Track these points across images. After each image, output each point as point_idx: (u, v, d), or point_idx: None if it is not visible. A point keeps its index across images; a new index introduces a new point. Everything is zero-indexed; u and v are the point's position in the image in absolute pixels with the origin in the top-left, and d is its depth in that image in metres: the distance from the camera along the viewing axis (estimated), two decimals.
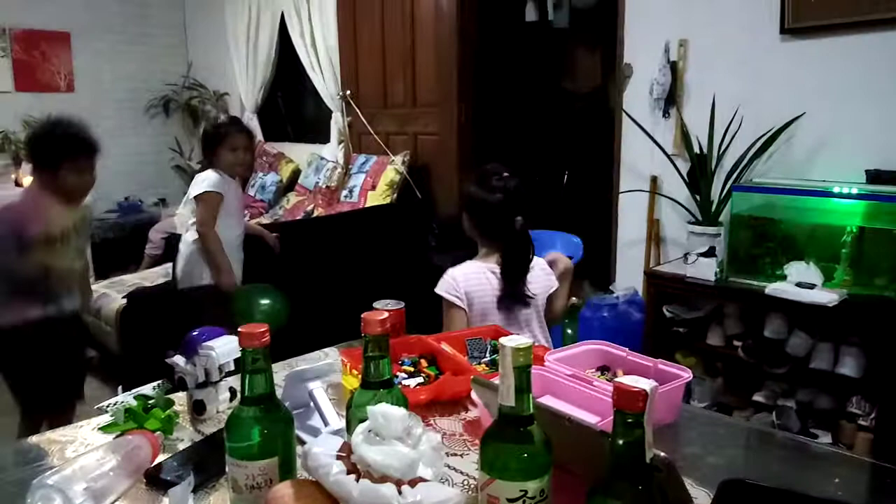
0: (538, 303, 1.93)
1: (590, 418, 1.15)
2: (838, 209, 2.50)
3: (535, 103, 5.36)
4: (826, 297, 2.27)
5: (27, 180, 2.44)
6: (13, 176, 5.00)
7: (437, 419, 1.25)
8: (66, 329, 2.40)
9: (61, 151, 2.26)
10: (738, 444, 1.24)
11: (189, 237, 2.86)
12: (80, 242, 2.42)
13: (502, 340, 0.78)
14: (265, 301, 2.63)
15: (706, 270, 2.61)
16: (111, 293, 3.60)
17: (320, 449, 0.84)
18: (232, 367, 1.29)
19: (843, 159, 2.66)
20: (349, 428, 0.96)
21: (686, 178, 2.98)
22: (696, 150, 2.92)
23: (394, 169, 4.22)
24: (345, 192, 4.39)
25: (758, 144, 2.79)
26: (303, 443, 1.03)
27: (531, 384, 0.78)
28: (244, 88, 5.59)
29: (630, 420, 0.68)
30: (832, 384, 2.41)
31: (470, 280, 1.86)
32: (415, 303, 1.82)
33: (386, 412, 0.82)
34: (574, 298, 3.77)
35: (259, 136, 5.40)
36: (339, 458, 0.82)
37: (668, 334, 2.83)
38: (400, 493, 0.77)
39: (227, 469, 0.89)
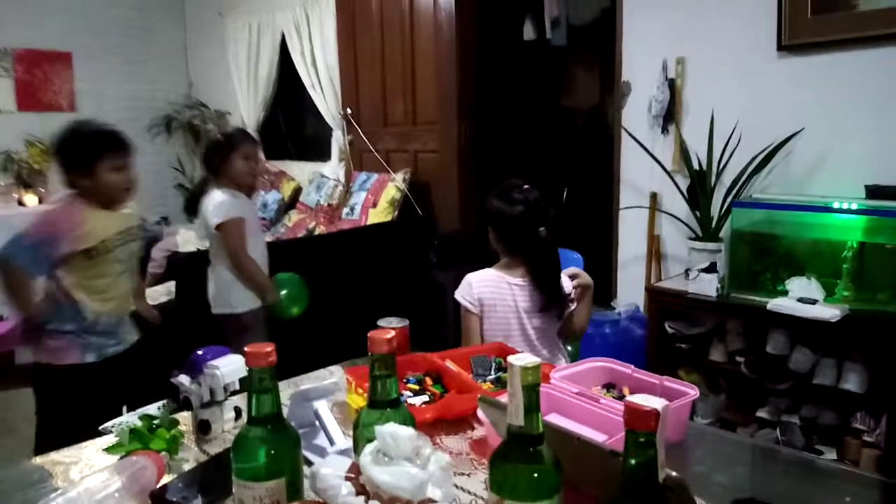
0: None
1: (597, 436, 1.14)
2: (838, 224, 2.50)
3: (535, 121, 5.39)
4: (828, 312, 2.27)
5: (57, 195, 2.23)
6: (16, 196, 5.01)
7: (444, 438, 1.24)
8: (111, 372, 2.23)
9: (94, 148, 2.10)
10: (746, 462, 1.23)
11: (219, 267, 2.75)
12: (125, 256, 2.22)
13: (510, 359, 0.78)
14: (286, 291, 2.78)
15: (707, 286, 2.61)
16: None
17: (329, 470, 0.83)
18: (237, 387, 1.29)
19: (842, 174, 2.68)
20: (356, 448, 0.96)
21: (686, 194, 2.99)
22: (696, 166, 2.94)
23: (395, 186, 4.23)
24: (346, 210, 4.40)
25: (757, 160, 2.80)
26: (309, 463, 1.03)
27: (540, 403, 0.78)
28: (245, 107, 5.62)
29: (642, 440, 0.67)
30: (836, 400, 2.41)
31: (484, 286, 1.87)
32: (417, 320, 1.82)
33: (394, 432, 0.81)
34: None
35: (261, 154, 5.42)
36: (347, 479, 0.81)
37: (670, 350, 2.82)
38: None
39: (233, 490, 0.88)
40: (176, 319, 3.26)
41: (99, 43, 5.63)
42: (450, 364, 1.46)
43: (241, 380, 1.28)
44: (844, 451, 2.38)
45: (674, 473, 0.71)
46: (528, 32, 4.63)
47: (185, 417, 1.28)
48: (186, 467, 1.13)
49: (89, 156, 2.08)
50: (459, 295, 1.90)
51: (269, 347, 0.87)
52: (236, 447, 0.88)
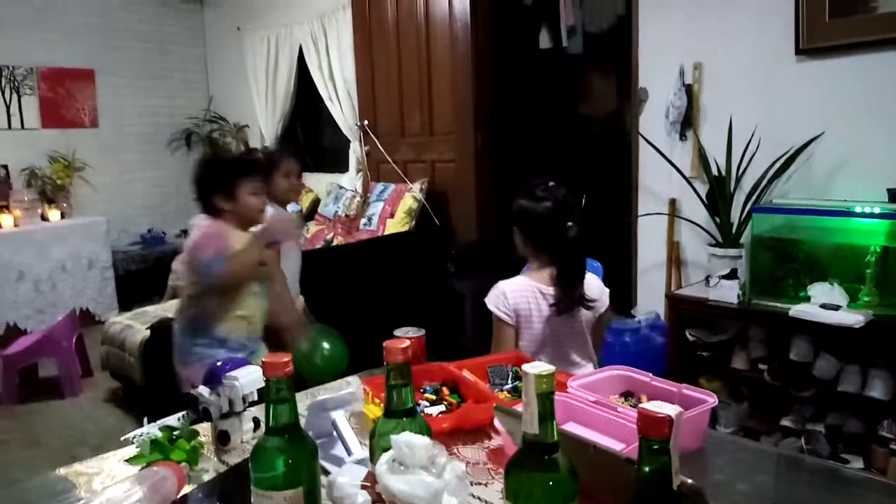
0: (588, 317, 1.92)
1: (615, 445, 1.13)
2: (861, 229, 2.47)
3: (552, 129, 5.38)
4: (852, 318, 2.24)
5: (196, 219, 2.25)
6: (40, 211, 5.10)
7: (461, 448, 1.24)
8: None
9: (235, 172, 2.23)
10: (767, 471, 1.22)
11: None
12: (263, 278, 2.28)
13: (525, 367, 0.78)
14: (326, 345, 2.46)
15: (728, 293, 2.59)
16: (135, 325, 3.64)
17: (345, 479, 0.84)
18: (255, 398, 1.30)
19: (863, 178, 2.64)
20: (373, 457, 0.96)
21: (705, 200, 2.97)
22: (715, 172, 2.92)
23: (412, 196, 4.25)
24: (364, 221, 4.43)
25: (776, 165, 2.77)
26: (326, 472, 1.03)
27: (555, 411, 0.77)
28: (264, 120, 5.68)
29: (656, 447, 0.67)
30: (861, 407, 2.37)
31: (520, 296, 1.85)
32: (435, 329, 1.82)
33: (410, 441, 0.82)
34: None
35: None
36: (363, 487, 0.82)
37: (691, 358, 2.80)
38: None
39: (252, 500, 0.89)
40: None
41: (120, 59, 5.73)
42: (466, 374, 1.46)
43: (259, 390, 1.29)
44: (871, 459, 2.34)
45: (689, 481, 0.70)
46: (545, 41, 4.64)
47: (204, 428, 1.29)
48: (206, 478, 1.14)
49: (232, 180, 2.21)
50: (493, 305, 1.86)
51: (286, 358, 0.88)
52: (254, 457, 0.89)
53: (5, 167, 5.08)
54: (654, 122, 3.27)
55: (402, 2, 4.43)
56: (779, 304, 2.49)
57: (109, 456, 1.25)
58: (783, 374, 2.50)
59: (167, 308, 3.99)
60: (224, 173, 2.26)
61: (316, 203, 5.09)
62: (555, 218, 1.84)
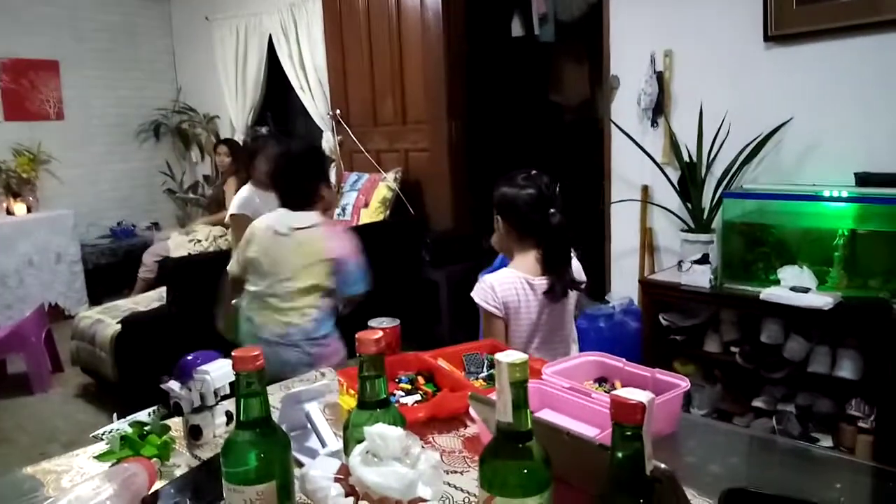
0: (573, 300, 1.95)
1: (589, 431, 1.14)
2: (829, 213, 2.51)
3: (525, 117, 5.38)
4: (821, 300, 2.28)
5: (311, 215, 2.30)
6: (5, 205, 4.99)
7: (436, 436, 1.24)
8: None
9: (319, 170, 2.38)
10: (739, 452, 1.23)
11: None
12: None
13: (498, 356, 0.77)
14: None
15: (700, 277, 2.62)
16: (106, 319, 3.58)
17: (318, 471, 0.83)
18: (228, 391, 1.28)
19: (831, 163, 2.68)
20: (346, 449, 0.95)
21: (677, 186, 2.99)
22: (686, 158, 2.94)
23: (386, 186, 4.23)
24: (338, 211, 4.39)
25: (746, 151, 2.80)
26: (301, 465, 1.02)
27: (528, 399, 0.77)
28: (234, 110, 5.60)
29: (629, 433, 0.67)
30: (831, 387, 2.41)
31: (507, 289, 1.84)
32: (410, 319, 1.81)
33: (383, 433, 0.81)
34: None
35: None
36: (337, 480, 0.81)
37: (665, 342, 2.83)
38: None
39: (224, 494, 0.88)
40: (167, 325, 3.26)
41: (86, 50, 5.60)
42: (442, 362, 1.46)
43: (231, 384, 1.27)
44: (840, 437, 2.39)
45: (662, 465, 0.71)
46: (517, 29, 4.63)
47: (176, 423, 1.28)
48: (178, 473, 1.13)
49: (325, 171, 2.34)
50: (480, 299, 1.85)
51: (257, 351, 0.87)
52: (225, 451, 0.87)
53: None
54: (625, 109, 3.28)
55: None
56: (750, 288, 2.53)
57: (79, 453, 1.23)
58: (755, 356, 2.54)
59: (138, 301, 3.94)
60: (324, 162, 2.42)
61: None
62: (539, 204, 1.84)
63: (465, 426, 1.27)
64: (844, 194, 2.44)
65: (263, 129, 3.08)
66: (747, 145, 2.80)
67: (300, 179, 2.31)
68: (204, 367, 1.26)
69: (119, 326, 3.40)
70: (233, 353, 0.86)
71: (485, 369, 1.48)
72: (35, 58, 5.29)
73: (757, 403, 2.57)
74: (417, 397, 1.36)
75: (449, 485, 1.05)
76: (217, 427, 1.27)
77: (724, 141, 2.87)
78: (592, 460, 0.77)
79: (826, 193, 2.47)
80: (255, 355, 0.86)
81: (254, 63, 5.37)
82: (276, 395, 1.38)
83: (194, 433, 1.24)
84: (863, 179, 2.52)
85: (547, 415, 1.25)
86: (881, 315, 2.22)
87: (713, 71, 2.98)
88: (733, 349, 2.63)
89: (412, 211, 4.28)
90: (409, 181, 4.33)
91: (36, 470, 1.18)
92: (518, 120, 5.38)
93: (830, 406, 2.44)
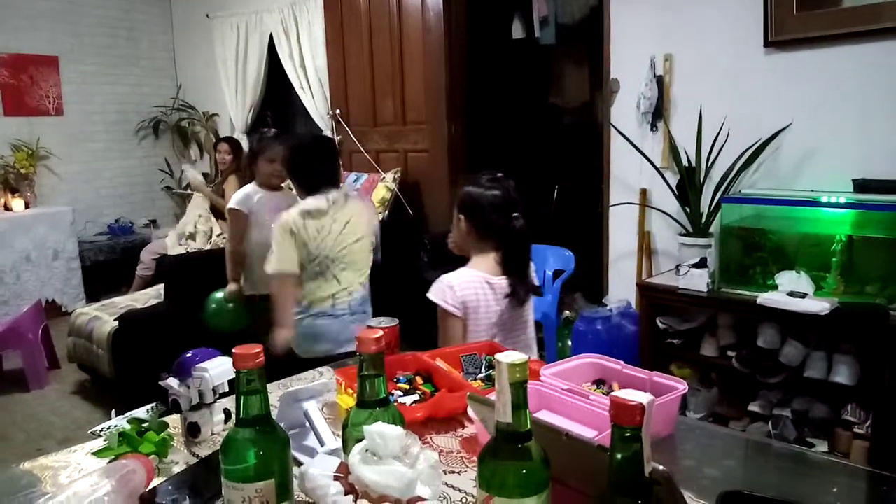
0: (531, 304, 1.94)
1: (587, 432, 1.14)
2: (827, 218, 2.52)
3: (524, 119, 5.39)
4: (818, 305, 2.28)
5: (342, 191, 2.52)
6: (3, 200, 4.98)
7: (434, 436, 1.24)
8: None
9: (334, 152, 2.59)
10: (735, 456, 1.24)
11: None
12: None
13: (498, 356, 0.78)
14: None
15: (698, 281, 2.62)
16: (103, 316, 3.58)
17: (317, 470, 0.83)
18: (226, 389, 1.28)
19: (829, 169, 2.69)
20: (346, 448, 0.95)
21: (675, 190, 3.00)
22: (685, 162, 2.95)
23: (385, 186, 4.23)
24: None
25: (745, 156, 2.81)
26: (299, 464, 1.02)
27: (528, 400, 0.78)
28: (234, 109, 5.60)
29: (628, 434, 0.68)
30: (827, 392, 2.42)
31: (466, 288, 1.83)
32: (408, 319, 1.81)
33: (382, 432, 0.81)
34: (568, 312, 3.80)
35: None
36: (336, 478, 0.81)
37: (662, 346, 2.83)
38: None
39: (223, 492, 0.88)
40: (165, 322, 3.26)
41: (86, 46, 5.60)
42: (440, 363, 1.46)
43: (230, 381, 1.27)
44: (835, 443, 2.39)
45: (660, 467, 0.71)
46: (517, 31, 4.64)
47: (174, 420, 1.27)
48: (176, 470, 1.13)
49: (338, 153, 2.63)
50: (438, 298, 1.83)
51: (257, 349, 0.87)
52: (224, 449, 0.87)
53: None
54: (625, 112, 3.29)
55: None
56: (747, 292, 2.53)
57: (77, 449, 1.23)
58: (751, 360, 2.55)
59: (136, 298, 3.94)
60: (335, 146, 2.71)
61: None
62: (503, 207, 1.84)
63: (463, 426, 1.28)
64: (842, 200, 2.45)
65: (271, 131, 3.13)
66: (746, 150, 2.81)
67: (319, 162, 2.46)
68: (203, 365, 1.26)
69: (116, 323, 3.40)
70: (233, 351, 0.87)
71: (483, 370, 1.48)
72: (35, 53, 5.28)
73: (753, 408, 2.58)
74: (416, 397, 1.36)
75: (447, 485, 1.05)
76: (215, 424, 1.27)
77: (722, 146, 2.88)
78: (591, 461, 0.78)
79: (824, 199, 2.48)
80: (256, 353, 0.86)
81: (254, 61, 5.37)
82: (274, 393, 1.38)
83: (192, 430, 1.24)
84: (860, 186, 2.52)
85: (545, 416, 1.25)
86: (877, 321, 2.23)
87: (713, 76, 2.99)
88: (730, 353, 2.64)
89: (411, 211, 4.29)
90: (407, 182, 4.34)
91: (34, 465, 1.18)
92: (518, 122, 5.39)
93: (826, 411, 2.44)
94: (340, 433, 1.00)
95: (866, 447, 2.30)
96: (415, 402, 1.34)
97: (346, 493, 0.79)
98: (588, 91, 5.11)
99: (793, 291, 2.39)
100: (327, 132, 4.85)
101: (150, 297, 3.88)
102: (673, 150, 3.02)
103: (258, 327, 2.59)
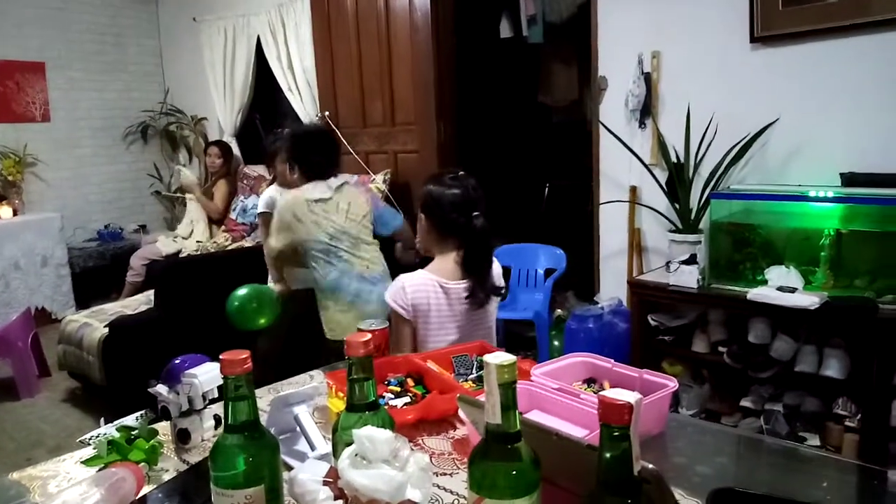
0: (493, 307, 1.92)
1: (578, 432, 1.14)
2: (815, 213, 2.53)
3: (514, 118, 5.40)
4: (807, 300, 2.29)
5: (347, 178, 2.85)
6: None
7: (426, 438, 1.24)
8: None
9: (332, 141, 2.84)
10: (727, 452, 1.24)
11: None
12: None
13: (486, 357, 0.77)
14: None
15: (688, 278, 2.63)
16: (93, 322, 3.55)
17: (306, 475, 0.83)
18: (216, 395, 1.28)
19: (817, 163, 2.71)
20: (335, 452, 0.95)
21: (665, 187, 3.00)
22: (674, 159, 2.96)
23: (375, 187, 4.22)
24: None
25: (733, 151, 2.82)
26: (290, 468, 1.02)
27: (517, 401, 0.77)
28: (222, 112, 5.58)
29: (616, 433, 0.68)
30: (818, 386, 2.43)
31: (417, 291, 1.82)
32: None
33: (371, 435, 0.81)
34: (559, 310, 3.80)
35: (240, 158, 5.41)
36: (325, 483, 0.81)
37: (653, 343, 2.84)
38: None
39: (213, 498, 0.87)
40: (156, 328, 3.24)
41: (73, 52, 5.56)
42: (431, 364, 1.46)
43: (220, 388, 1.26)
44: (827, 436, 2.40)
45: (649, 465, 0.71)
46: (505, 30, 4.64)
47: (163, 427, 1.27)
48: (166, 477, 1.12)
49: (337, 142, 2.97)
50: (390, 298, 1.82)
51: (244, 354, 0.86)
52: (214, 455, 0.87)
53: None
54: (614, 110, 3.30)
55: None
56: (737, 288, 2.54)
57: (66, 458, 1.22)
58: (742, 356, 2.56)
59: (126, 305, 3.92)
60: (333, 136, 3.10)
61: None
62: (463, 205, 1.83)
63: (455, 428, 1.28)
64: (830, 194, 2.46)
65: (284, 132, 3.22)
66: (734, 146, 2.82)
67: (318, 150, 2.65)
68: (192, 371, 1.25)
69: (106, 330, 3.38)
70: (221, 357, 0.86)
71: (474, 371, 1.48)
72: (21, 59, 5.24)
73: (745, 403, 2.59)
74: (407, 399, 1.36)
75: (438, 486, 1.05)
76: (205, 431, 1.26)
77: (711, 142, 2.89)
78: (581, 461, 0.78)
79: (812, 194, 2.49)
80: (243, 359, 0.86)
81: (242, 64, 5.35)
82: (264, 398, 1.38)
83: (182, 437, 1.23)
84: (848, 180, 2.54)
85: (536, 416, 1.25)
86: (867, 314, 2.24)
87: (700, 72, 3.00)
88: (721, 349, 2.64)
89: (400, 213, 4.28)
90: (398, 183, 4.33)
91: (22, 476, 1.17)
92: (507, 121, 5.39)
93: (818, 405, 2.45)
94: (331, 437, 1.00)
95: (857, 440, 2.31)
96: (406, 404, 1.34)
97: (335, 498, 0.78)
98: (577, 89, 5.12)
99: (782, 286, 2.40)
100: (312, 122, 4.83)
101: (141, 303, 3.86)
102: (661, 146, 3.03)
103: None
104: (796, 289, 2.38)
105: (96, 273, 5.24)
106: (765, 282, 2.48)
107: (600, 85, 3.35)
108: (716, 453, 1.19)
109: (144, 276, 4.55)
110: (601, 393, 0.70)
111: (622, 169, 3.29)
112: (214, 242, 4.72)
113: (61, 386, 3.84)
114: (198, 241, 4.78)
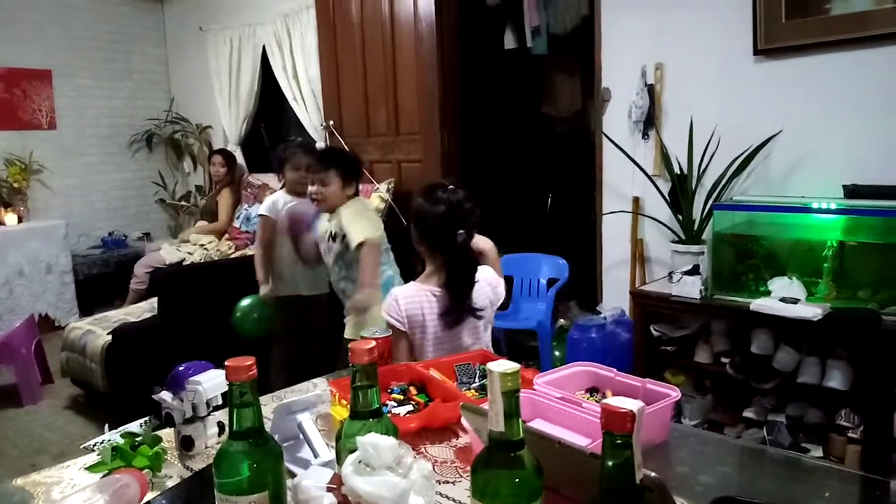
0: (486, 315, 1.90)
1: (580, 441, 1.15)
2: (818, 224, 2.53)
3: (517, 129, 5.41)
4: (810, 311, 2.29)
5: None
6: None
7: (428, 447, 1.24)
8: None
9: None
10: (729, 462, 1.24)
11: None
12: None
13: (490, 366, 0.78)
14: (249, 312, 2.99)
15: (691, 288, 2.63)
16: (96, 330, 3.56)
17: (310, 482, 0.83)
18: (220, 402, 1.28)
19: (820, 175, 2.71)
20: (339, 459, 0.95)
21: (667, 198, 3.01)
22: (677, 170, 2.96)
23: (379, 197, 4.24)
24: None
25: (736, 163, 2.83)
26: (293, 476, 1.02)
27: (520, 409, 0.78)
28: (227, 121, 5.60)
29: (619, 441, 0.68)
30: (820, 398, 2.42)
31: (411, 303, 1.81)
32: None
33: (375, 442, 0.81)
34: (562, 320, 3.80)
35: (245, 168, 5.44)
36: (329, 490, 0.81)
37: (656, 353, 2.84)
38: None
39: None
40: (159, 335, 3.25)
41: (79, 60, 5.60)
42: (434, 373, 1.47)
43: (224, 394, 1.27)
44: (830, 448, 2.39)
45: (652, 474, 0.71)
46: (509, 41, 4.66)
47: (167, 434, 1.27)
48: (170, 484, 1.13)
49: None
50: (385, 312, 1.82)
51: (249, 361, 0.87)
52: (218, 462, 0.87)
53: None
54: (617, 121, 3.31)
55: (366, 1, 4.41)
56: (740, 299, 2.54)
57: (70, 464, 1.23)
58: (745, 366, 2.55)
59: (130, 312, 3.93)
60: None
61: None
62: (445, 223, 1.81)
63: (458, 436, 1.28)
64: (833, 206, 2.47)
65: (297, 140, 3.31)
66: (737, 158, 2.83)
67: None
68: (196, 378, 1.26)
69: (110, 337, 3.39)
70: (226, 364, 0.87)
71: (477, 379, 1.49)
72: (27, 67, 5.28)
73: (748, 414, 2.58)
74: (410, 407, 1.36)
75: (441, 495, 1.05)
76: (209, 438, 1.27)
77: (714, 153, 2.90)
78: (583, 469, 0.78)
79: (815, 205, 2.49)
80: (248, 365, 0.86)
81: (247, 74, 5.38)
82: (268, 405, 1.38)
83: (186, 444, 1.23)
84: (851, 191, 2.54)
85: (538, 425, 1.26)
86: (870, 326, 2.24)
87: (703, 84, 3.01)
88: (724, 360, 2.64)
89: (404, 222, 4.29)
90: (401, 192, 4.34)
91: (26, 482, 1.17)
92: (511, 132, 5.41)
93: (820, 416, 2.45)
94: (334, 444, 1.00)
95: (860, 452, 2.30)
96: (409, 412, 1.34)
97: None
98: (580, 100, 5.14)
99: (785, 297, 2.40)
100: (321, 144, 4.85)
101: (144, 310, 3.87)
102: (665, 157, 3.04)
103: (287, 323, 3.06)
104: (799, 300, 2.38)
105: (100, 280, 5.25)
106: (767, 293, 2.48)
107: (604, 96, 3.36)
108: (718, 463, 1.19)
109: (148, 284, 4.56)
110: (604, 401, 0.70)
111: (625, 180, 3.29)
112: (218, 250, 4.73)
113: (64, 393, 3.84)
114: (201, 246, 4.78)
